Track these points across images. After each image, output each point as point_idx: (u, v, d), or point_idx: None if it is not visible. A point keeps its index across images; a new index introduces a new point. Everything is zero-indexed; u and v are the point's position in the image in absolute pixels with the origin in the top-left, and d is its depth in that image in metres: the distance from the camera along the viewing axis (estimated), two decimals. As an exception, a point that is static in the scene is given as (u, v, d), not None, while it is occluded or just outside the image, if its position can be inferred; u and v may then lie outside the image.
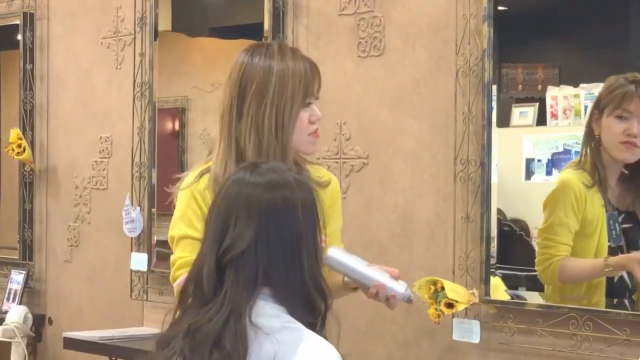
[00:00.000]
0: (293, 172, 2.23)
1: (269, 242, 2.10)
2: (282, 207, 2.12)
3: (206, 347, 2.04)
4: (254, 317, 2.07)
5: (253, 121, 2.69)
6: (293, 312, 2.12)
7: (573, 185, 3.50)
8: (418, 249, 3.87)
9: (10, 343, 5.16)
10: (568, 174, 3.56)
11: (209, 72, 4.92)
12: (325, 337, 2.15)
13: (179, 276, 2.66)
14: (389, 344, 3.94)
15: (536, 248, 3.61)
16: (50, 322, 5.39)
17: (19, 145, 5.32)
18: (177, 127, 5.01)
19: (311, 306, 2.14)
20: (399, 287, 2.65)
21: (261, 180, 2.15)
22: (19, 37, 5.48)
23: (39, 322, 5.36)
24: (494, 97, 3.69)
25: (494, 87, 3.69)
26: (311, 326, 2.13)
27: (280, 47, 2.77)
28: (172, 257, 2.74)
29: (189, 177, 2.77)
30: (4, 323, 5.14)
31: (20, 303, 5.31)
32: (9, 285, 5.42)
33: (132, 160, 4.90)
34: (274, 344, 2.03)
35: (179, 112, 5.00)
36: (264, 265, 2.09)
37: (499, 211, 3.76)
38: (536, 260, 3.57)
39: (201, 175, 2.74)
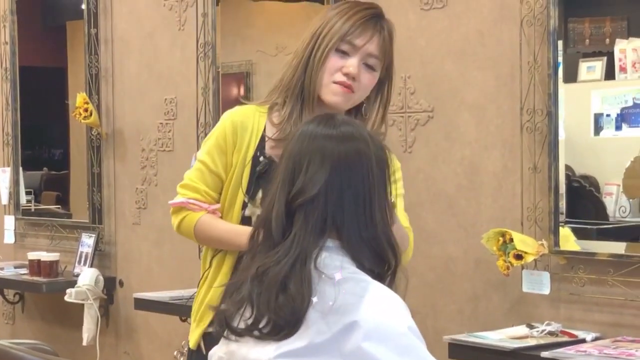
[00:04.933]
0: (367, 129, 2.23)
1: (341, 189, 2.10)
2: (356, 159, 2.12)
3: (273, 291, 2.06)
4: (319, 266, 2.07)
5: (295, 51, 2.72)
6: (360, 263, 2.12)
7: None
8: (486, 201, 3.84)
9: (82, 305, 5.24)
10: None
11: (272, 36, 4.91)
12: (394, 291, 2.15)
13: (179, 194, 2.78)
14: (458, 298, 3.93)
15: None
16: (121, 284, 5.44)
17: (86, 110, 5.35)
18: (242, 92, 5.01)
19: (380, 258, 2.14)
20: None
21: (335, 132, 2.14)
22: (83, 5, 5.51)
23: (110, 285, 5.42)
24: (560, 46, 3.64)
25: (560, 41, 3.63)
26: (378, 277, 2.13)
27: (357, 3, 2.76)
28: (184, 175, 2.82)
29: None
30: (76, 286, 5.21)
31: (91, 266, 5.37)
32: (80, 249, 5.48)
33: (197, 121, 4.91)
34: (337, 292, 2.03)
35: (244, 77, 5.00)
36: (334, 212, 2.09)
37: (568, 167, 3.72)
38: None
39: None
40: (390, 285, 2.15)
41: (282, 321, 2.04)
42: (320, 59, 2.66)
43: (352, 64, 2.66)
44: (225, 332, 2.16)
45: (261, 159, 2.72)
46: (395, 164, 2.75)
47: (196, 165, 2.78)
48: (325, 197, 2.09)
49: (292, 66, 2.73)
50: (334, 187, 2.09)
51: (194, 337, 2.79)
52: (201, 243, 2.85)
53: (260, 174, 2.70)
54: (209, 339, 2.70)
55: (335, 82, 2.67)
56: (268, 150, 2.72)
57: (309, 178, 2.10)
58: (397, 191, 2.79)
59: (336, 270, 2.07)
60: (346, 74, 2.67)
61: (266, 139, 2.73)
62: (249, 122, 2.73)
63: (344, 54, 2.67)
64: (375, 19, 2.72)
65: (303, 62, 2.69)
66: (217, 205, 2.76)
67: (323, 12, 2.75)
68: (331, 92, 2.68)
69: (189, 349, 2.83)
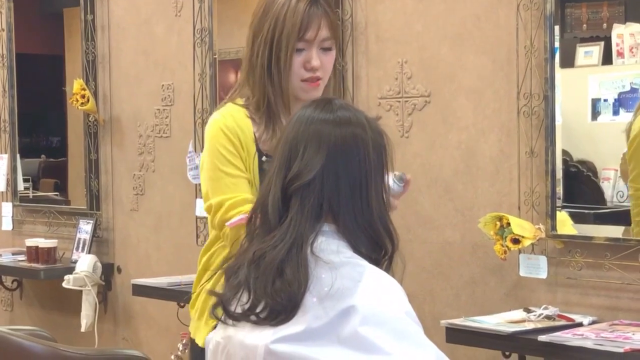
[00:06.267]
0: (366, 114, 2.22)
1: (337, 174, 2.09)
2: (352, 144, 2.12)
3: (269, 275, 2.06)
4: (315, 251, 2.07)
5: (247, 62, 2.75)
6: (356, 248, 2.12)
7: None
8: (483, 186, 3.84)
9: (81, 291, 5.24)
10: None
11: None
12: (391, 276, 2.15)
13: (232, 217, 2.57)
14: (455, 283, 3.93)
15: (630, 201, 3.56)
16: (119, 270, 5.44)
17: (83, 96, 5.35)
18: (239, 78, 4.99)
19: (377, 243, 2.14)
20: (390, 181, 2.35)
21: (332, 116, 2.14)
22: (79, -10, 5.51)
23: (108, 271, 5.42)
24: (557, 30, 3.63)
25: (557, 26, 3.63)
26: (375, 262, 2.13)
27: None
28: (213, 200, 2.64)
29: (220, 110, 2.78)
30: (74, 272, 5.21)
31: (89, 252, 5.38)
32: (78, 235, 5.48)
33: (195, 107, 4.90)
34: (333, 276, 2.03)
35: (241, 63, 4.97)
36: (330, 196, 2.09)
37: (565, 152, 3.72)
38: (632, 212, 3.52)
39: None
40: (387, 270, 2.16)
41: (279, 306, 2.04)
42: (285, 66, 2.66)
43: (312, 57, 2.68)
44: (223, 317, 2.16)
45: (263, 158, 2.70)
46: None
47: (223, 182, 2.64)
48: (322, 182, 2.09)
49: (256, 82, 2.73)
50: (330, 172, 2.09)
51: (202, 335, 2.65)
52: None
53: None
54: None
55: (303, 80, 2.69)
56: (262, 147, 2.71)
57: (305, 163, 2.10)
58: None
59: (333, 255, 2.07)
60: (310, 69, 2.68)
61: (255, 137, 2.72)
62: (241, 123, 2.71)
63: (302, 50, 2.68)
64: (314, 2, 2.69)
65: (266, 74, 2.69)
66: None
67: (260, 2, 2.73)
68: (303, 91, 2.71)
69: (195, 346, 2.72)
